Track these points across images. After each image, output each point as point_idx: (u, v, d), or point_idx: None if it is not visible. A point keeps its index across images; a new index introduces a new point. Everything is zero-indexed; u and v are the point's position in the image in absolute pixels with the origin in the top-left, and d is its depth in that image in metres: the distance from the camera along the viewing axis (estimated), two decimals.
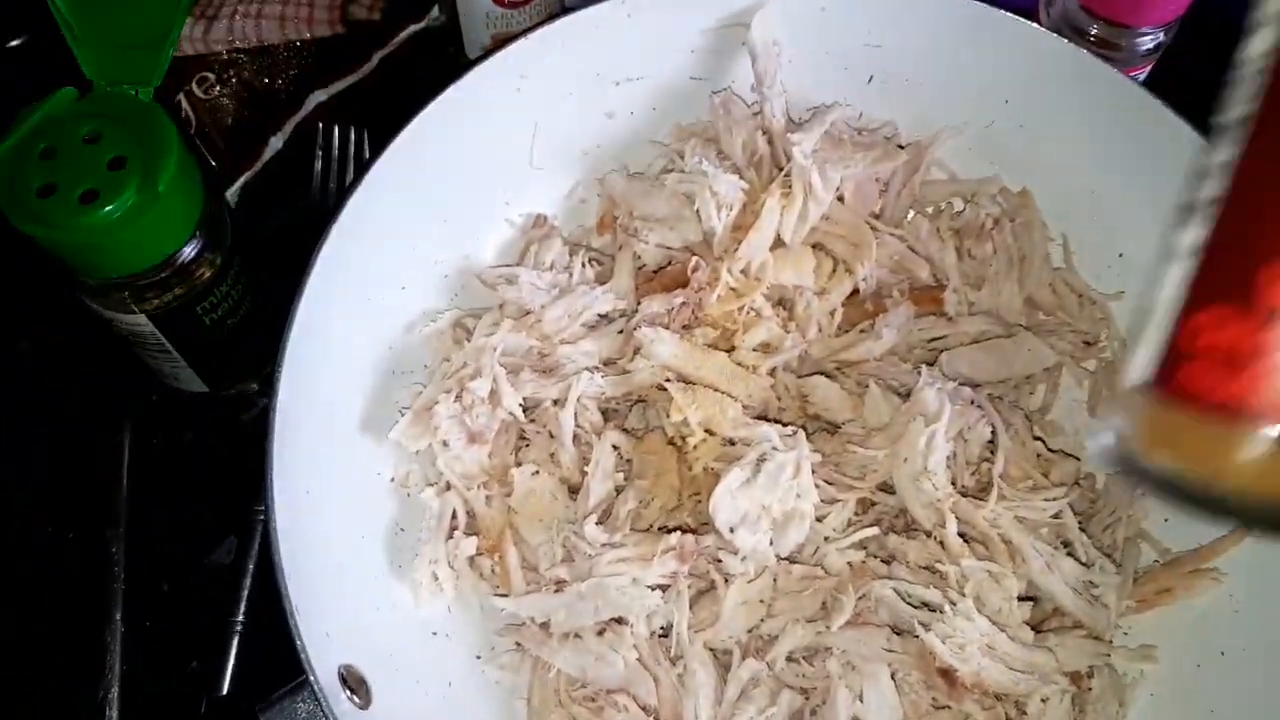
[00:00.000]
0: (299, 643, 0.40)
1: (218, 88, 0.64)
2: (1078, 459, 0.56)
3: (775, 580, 0.51)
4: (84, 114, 0.44)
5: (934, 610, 0.49)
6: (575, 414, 0.54)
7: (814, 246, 0.59)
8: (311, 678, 0.39)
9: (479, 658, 0.50)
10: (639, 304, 0.57)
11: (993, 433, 0.54)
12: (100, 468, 0.56)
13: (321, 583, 0.44)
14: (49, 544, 0.55)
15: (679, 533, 0.51)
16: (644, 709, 0.49)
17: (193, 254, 0.47)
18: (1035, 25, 0.56)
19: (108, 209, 0.42)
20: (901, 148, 0.61)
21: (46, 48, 0.48)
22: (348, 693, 0.42)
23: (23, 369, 0.59)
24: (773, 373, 0.57)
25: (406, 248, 0.53)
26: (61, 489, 0.56)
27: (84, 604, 0.53)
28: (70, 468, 0.56)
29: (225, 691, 0.50)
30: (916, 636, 0.48)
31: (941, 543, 0.50)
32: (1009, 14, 0.56)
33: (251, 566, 0.54)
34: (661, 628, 0.51)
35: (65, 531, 0.55)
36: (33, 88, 0.45)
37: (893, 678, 0.49)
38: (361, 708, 0.42)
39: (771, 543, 0.51)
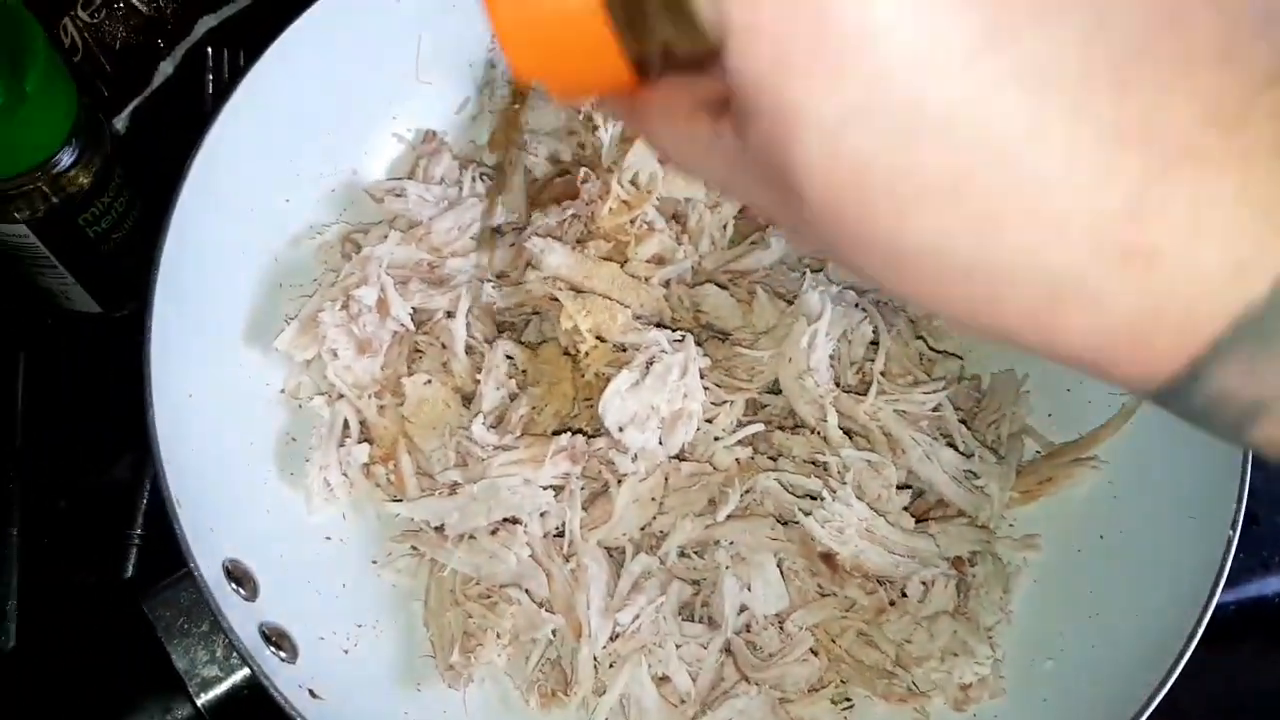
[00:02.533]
0: (179, 531, 0.40)
1: (103, 12, 0.63)
2: (961, 358, 0.58)
3: (666, 479, 0.53)
4: None
5: (816, 499, 0.50)
6: (469, 325, 0.54)
7: None
8: (192, 564, 0.40)
9: (374, 563, 0.51)
10: (530, 217, 0.57)
11: (875, 333, 0.55)
12: None
13: (207, 481, 0.45)
14: None
15: (568, 434, 0.52)
16: (538, 603, 0.50)
17: (69, 161, 0.47)
18: None
19: None
20: None
21: None
22: (233, 585, 0.42)
23: None
24: (666, 284, 0.58)
25: (287, 160, 0.53)
26: None
27: None
28: None
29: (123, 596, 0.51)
30: (799, 524, 0.50)
31: (823, 436, 0.52)
32: None
33: (149, 482, 0.54)
34: (557, 529, 0.52)
35: None
36: None
37: (779, 566, 0.51)
38: (247, 599, 0.43)
39: (661, 441, 0.52)
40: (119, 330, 0.58)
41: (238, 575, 0.43)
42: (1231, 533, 0.43)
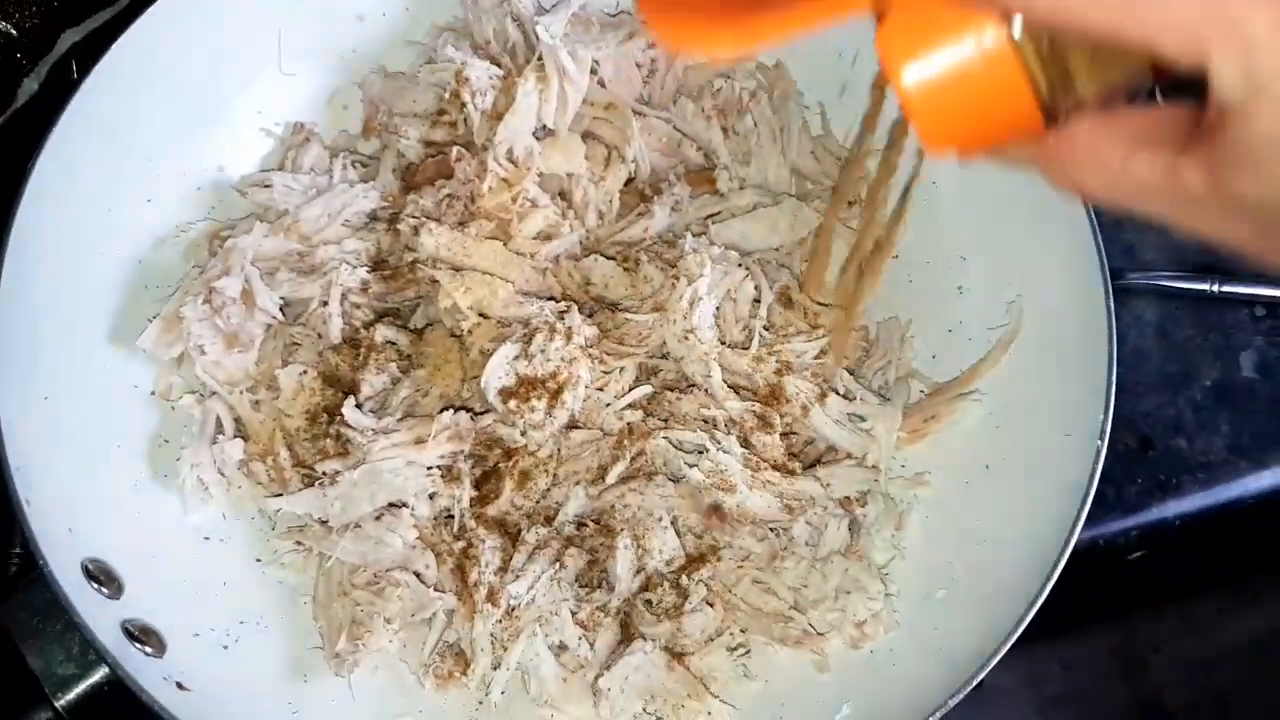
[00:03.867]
0: (29, 532, 0.39)
1: None
2: (842, 307, 0.58)
3: (558, 450, 0.52)
4: None
5: (704, 453, 0.50)
6: (346, 313, 0.54)
7: (585, 136, 0.60)
8: (40, 561, 0.38)
9: (259, 560, 0.50)
10: (405, 200, 0.57)
11: (758, 290, 0.55)
12: None
13: (64, 483, 0.43)
14: None
15: (450, 412, 0.51)
16: (430, 585, 0.49)
17: None
18: None
19: None
20: None
21: None
22: (94, 584, 0.41)
23: None
24: (555, 260, 0.58)
25: (144, 158, 0.52)
26: None
27: None
28: None
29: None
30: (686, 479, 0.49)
31: (709, 392, 0.52)
32: None
33: None
34: (447, 510, 0.51)
35: None
36: None
37: (674, 524, 0.50)
38: (110, 597, 0.41)
39: (548, 413, 0.51)
40: None
41: (98, 574, 0.41)
42: (1100, 443, 0.43)
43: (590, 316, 0.54)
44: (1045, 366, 0.50)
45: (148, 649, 0.40)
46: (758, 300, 0.55)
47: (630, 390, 0.53)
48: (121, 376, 0.49)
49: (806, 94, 0.62)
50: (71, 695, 0.38)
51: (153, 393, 0.50)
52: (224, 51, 0.54)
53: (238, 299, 0.50)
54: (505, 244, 0.57)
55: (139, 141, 0.51)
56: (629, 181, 0.61)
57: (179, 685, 0.39)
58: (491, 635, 0.48)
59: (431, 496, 0.50)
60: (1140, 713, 0.62)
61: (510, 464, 0.51)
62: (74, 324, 0.48)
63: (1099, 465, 0.43)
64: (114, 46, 0.49)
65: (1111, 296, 0.47)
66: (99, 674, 0.39)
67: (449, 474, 0.50)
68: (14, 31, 0.63)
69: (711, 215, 0.60)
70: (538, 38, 0.57)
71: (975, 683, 0.39)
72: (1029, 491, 0.47)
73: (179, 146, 0.53)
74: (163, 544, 0.46)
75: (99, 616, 0.39)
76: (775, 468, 0.49)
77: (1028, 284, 0.53)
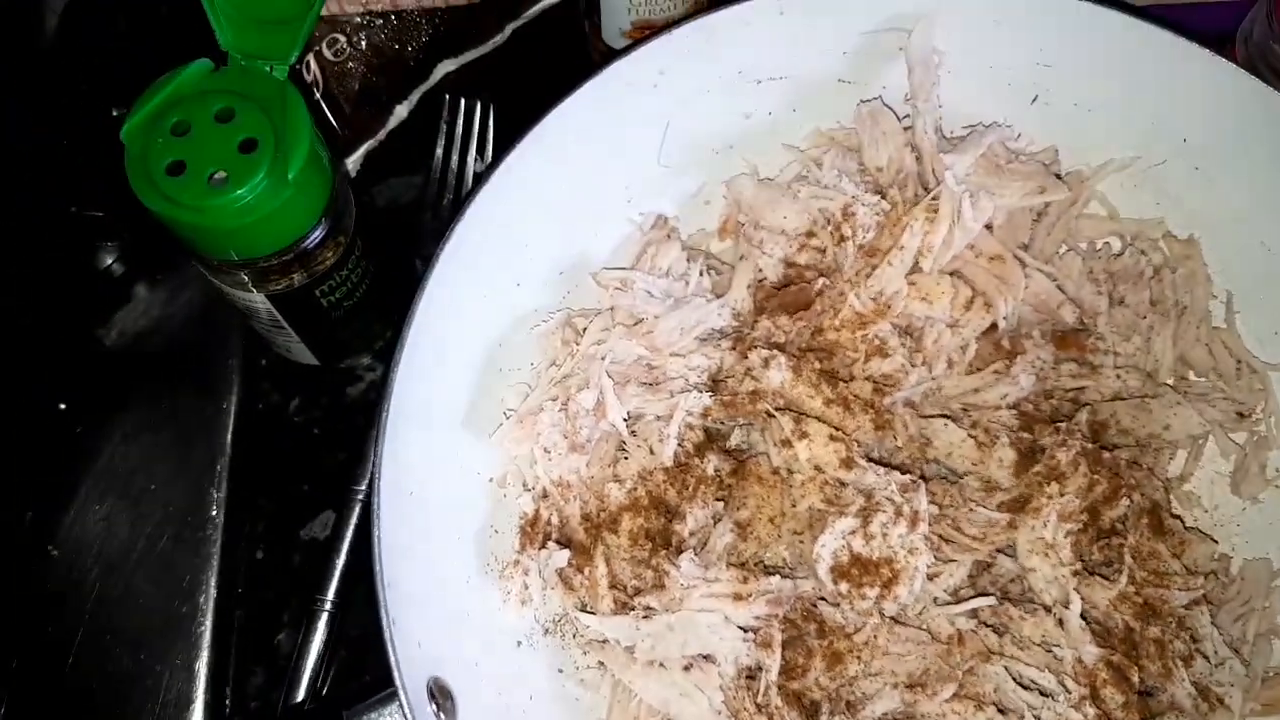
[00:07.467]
0: (393, 659, 0.39)
1: (348, 50, 0.62)
2: (1215, 541, 0.52)
3: (875, 637, 0.49)
4: (217, 89, 0.43)
5: (1045, 695, 0.46)
6: (680, 434, 0.52)
7: (950, 273, 0.55)
8: (401, 695, 0.39)
9: (560, 671, 0.49)
10: (756, 320, 0.54)
11: (1127, 506, 0.50)
12: (205, 429, 0.56)
13: (418, 591, 0.43)
14: (149, 504, 0.55)
15: (777, 577, 0.48)
16: None
17: (317, 240, 0.46)
18: (1227, 61, 0.51)
19: (237, 193, 0.41)
20: (1060, 177, 0.56)
21: (184, 16, 0.47)
22: (433, 707, 0.41)
23: (134, 320, 0.59)
24: (892, 408, 0.54)
25: (524, 244, 0.51)
26: (164, 447, 0.56)
27: (181, 564, 0.53)
28: (176, 427, 0.56)
29: (309, 681, 0.51)
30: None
31: (1061, 621, 0.47)
32: (1198, 45, 0.51)
33: (345, 546, 0.54)
34: (748, 669, 0.49)
35: (169, 493, 0.55)
36: (168, 58, 0.44)
37: None
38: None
39: (877, 599, 0.48)
40: (331, 381, 0.58)
41: (439, 695, 0.41)
42: None
43: (924, 481, 0.50)
44: None
45: None
46: (1124, 519, 0.50)
47: (971, 598, 0.48)
48: (466, 463, 0.49)
49: (1215, 279, 0.55)
50: None
51: (491, 480, 0.50)
52: (615, 143, 0.52)
53: (591, 410, 0.49)
54: (847, 383, 0.54)
55: (527, 228, 0.50)
56: (988, 330, 0.56)
57: None
58: None
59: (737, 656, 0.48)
60: None
61: (825, 643, 0.48)
62: (440, 411, 0.48)
63: None
64: (527, 135, 0.48)
65: None
66: None
67: (759, 637, 0.48)
68: (395, 57, 0.64)
69: (1076, 389, 0.55)
70: (938, 177, 0.53)
71: None
72: None
73: (556, 231, 0.52)
74: (484, 650, 0.47)
75: None
76: None
77: None
